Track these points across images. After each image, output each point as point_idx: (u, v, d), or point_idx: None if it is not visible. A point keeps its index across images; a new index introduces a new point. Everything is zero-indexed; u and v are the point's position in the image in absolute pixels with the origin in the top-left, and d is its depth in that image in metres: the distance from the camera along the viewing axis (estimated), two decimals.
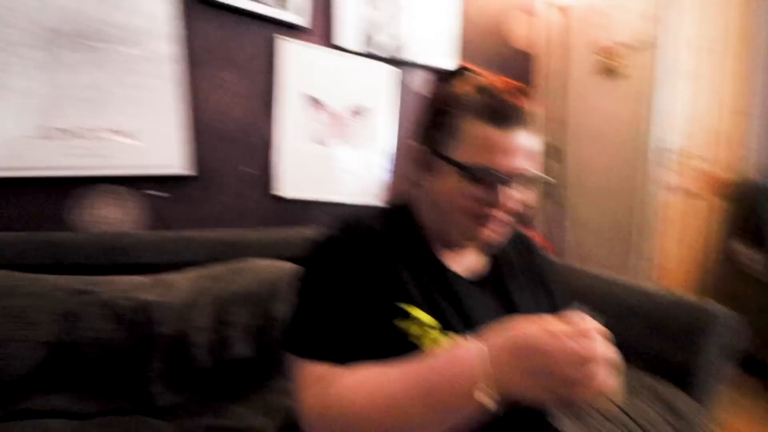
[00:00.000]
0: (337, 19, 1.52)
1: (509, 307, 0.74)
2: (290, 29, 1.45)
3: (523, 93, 0.68)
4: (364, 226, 0.69)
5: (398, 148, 1.66)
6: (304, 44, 1.48)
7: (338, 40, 1.53)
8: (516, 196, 0.68)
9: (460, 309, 0.68)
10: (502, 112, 0.65)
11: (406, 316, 0.64)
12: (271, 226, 1.41)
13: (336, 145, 1.59)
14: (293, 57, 1.46)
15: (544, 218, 2.06)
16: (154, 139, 1.28)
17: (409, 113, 1.70)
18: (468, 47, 1.84)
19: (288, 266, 1.18)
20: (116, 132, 1.24)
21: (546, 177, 0.75)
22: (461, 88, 0.69)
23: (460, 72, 0.72)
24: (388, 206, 0.78)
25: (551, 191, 2.03)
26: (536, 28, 2.05)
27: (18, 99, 1.13)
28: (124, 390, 0.97)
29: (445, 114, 0.68)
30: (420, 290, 0.67)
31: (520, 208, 0.70)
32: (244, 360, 1.06)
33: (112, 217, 1.24)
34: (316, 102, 1.53)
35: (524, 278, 0.79)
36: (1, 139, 1.11)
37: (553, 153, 2.05)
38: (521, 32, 2.02)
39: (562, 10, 2.00)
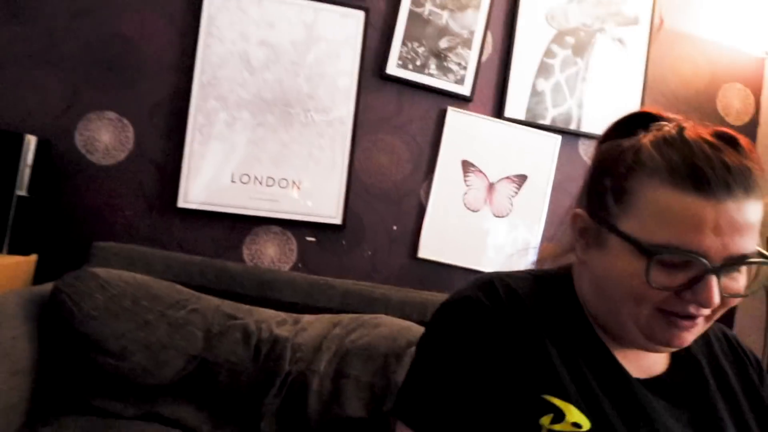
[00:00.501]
0: (507, 91, 1.47)
1: (706, 424, 0.50)
2: (457, 99, 1.44)
3: (734, 144, 0.47)
4: (507, 288, 0.53)
5: (557, 221, 1.45)
6: (469, 113, 1.45)
7: (505, 111, 1.46)
8: (724, 286, 0.46)
9: (633, 418, 0.48)
10: (704, 173, 0.44)
11: (556, 414, 0.46)
12: (407, 286, 1.33)
13: (487, 213, 1.46)
14: (457, 125, 1.44)
15: (748, 315, 1.49)
16: (319, 191, 1.37)
17: (570, 185, 1.48)
18: None
19: (416, 329, 1.06)
20: (291, 182, 1.37)
21: None
22: (642, 140, 0.50)
23: (640, 119, 0.53)
24: (541, 272, 0.60)
25: (760, 275, 1.48)
26: (760, 99, 1.63)
27: (228, 149, 1.34)
28: (237, 417, 0.95)
29: (618, 175, 0.50)
30: (576, 382, 0.49)
31: (727, 302, 0.47)
32: (354, 419, 0.94)
33: (271, 255, 1.33)
34: (474, 168, 1.46)
35: (727, 392, 0.54)
36: (209, 179, 1.32)
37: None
38: (738, 105, 1.63)
39: None
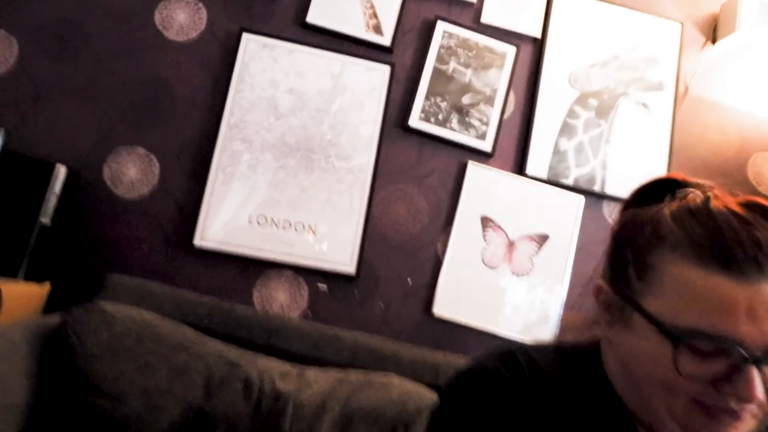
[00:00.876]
0: (528, 148, 1.44)
1: None
2: (478, 154, 1.41)
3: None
4: (531, 362, 0.47)
5: (581, 285, 1.37)
6: (490, 168, 1.41)
7: (526, 169, 1.42)
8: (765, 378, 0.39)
9: None
10: (731, 251, 0.39)
11: None
12: (418, 343, 1.25)
13: (506, 271, 1.39)
14: (477, 180, 1.40)
15: None
16: (335, 236, 1.33)
17: (594, 248, 1.41)
18: None
19: (427, 393, 0.98)
20: (308, 226, 1.34)
21: None
22: (664, 209, 0.45)
23: (665, 185, 0.49)
24: (566, 345, 0.54)
25: None
26: None
27: (249, 191, 1.33)
28: None
29: (639, 248, 0.45)
30: None
31: None
32: None
33: (281, 300, 1.28)
34: (493, 224, 1.41)
35: None
36: (227, 219, 1.30)
37: None
38: None
39: None
